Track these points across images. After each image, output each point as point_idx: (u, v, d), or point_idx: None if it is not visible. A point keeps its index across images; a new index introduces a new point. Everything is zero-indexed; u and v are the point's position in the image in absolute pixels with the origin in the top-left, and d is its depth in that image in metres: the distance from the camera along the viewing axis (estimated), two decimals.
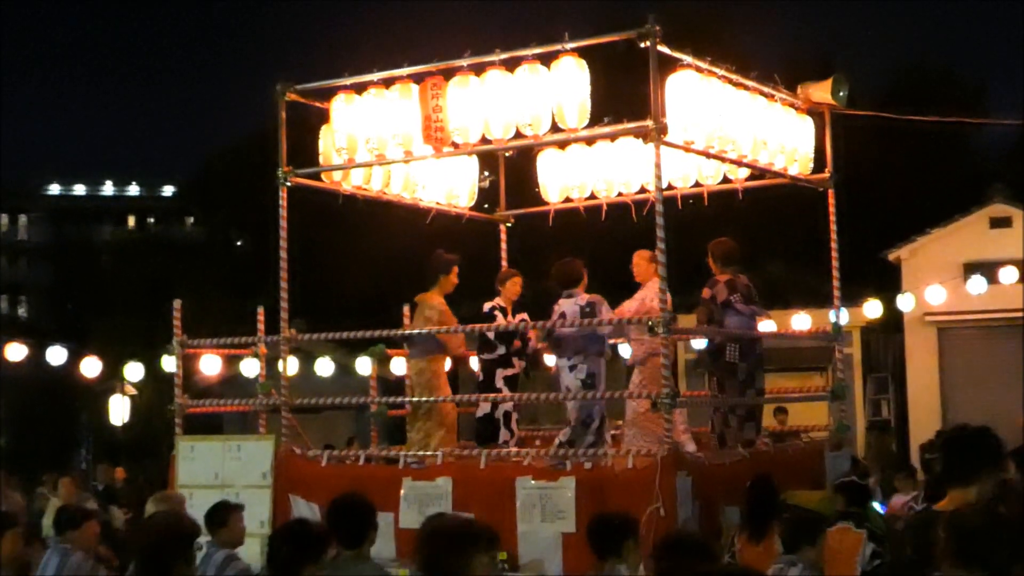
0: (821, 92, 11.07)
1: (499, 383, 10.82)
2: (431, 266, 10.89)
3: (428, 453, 9.92)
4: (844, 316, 12.04)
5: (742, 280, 10.65)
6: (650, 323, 9.03)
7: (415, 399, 10.65)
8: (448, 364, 11.20)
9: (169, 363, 13.33)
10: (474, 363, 11.61)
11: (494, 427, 10.79)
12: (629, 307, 10.75)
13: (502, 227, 13.14)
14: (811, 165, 11.23)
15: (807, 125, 11.14)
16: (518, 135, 9.57)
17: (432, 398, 10.49)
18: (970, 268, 20.43)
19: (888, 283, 21.90)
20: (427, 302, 10.75)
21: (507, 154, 12.05)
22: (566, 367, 10.09)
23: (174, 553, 5.44)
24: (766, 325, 17.95)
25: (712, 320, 10.46)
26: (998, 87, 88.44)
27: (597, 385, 10.10)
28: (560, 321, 9.96)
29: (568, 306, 10.18)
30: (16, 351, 18.20)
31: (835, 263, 11.45)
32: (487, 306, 11.08)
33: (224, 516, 7.95)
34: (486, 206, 13.19)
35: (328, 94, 10.52)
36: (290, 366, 11.03)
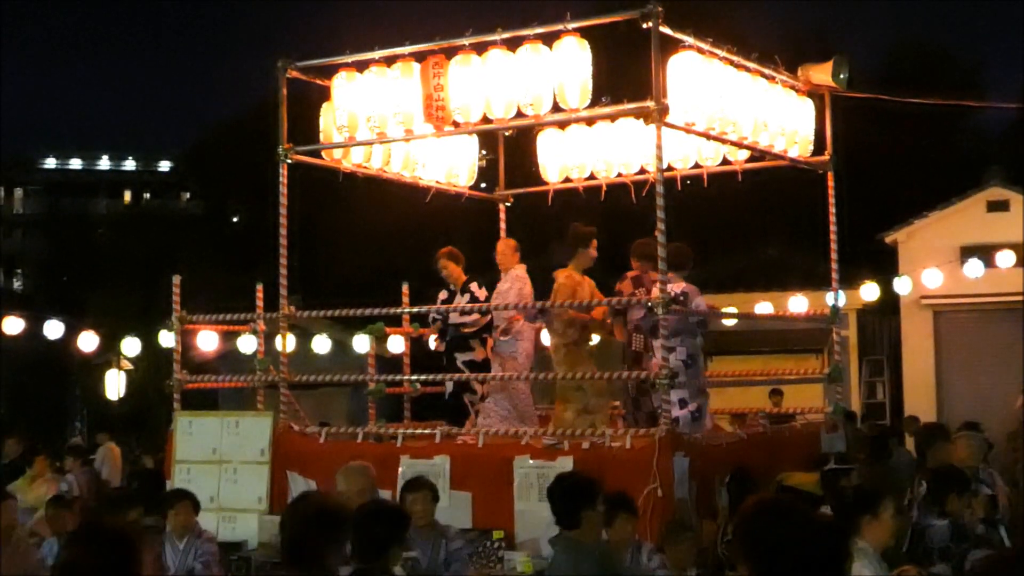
0: (822, 74, 11.07)
1: (459, 367, 10.93)
2: (569, 241, 10.53)
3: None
4: (841, 299, 12.06)
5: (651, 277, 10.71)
6: (648, 304, 9.04)
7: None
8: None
9: (167, 338, 13.35)
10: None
11: (461, 410, 10.86)
12: (509, 297, 10.87)
13: (501, 206, 13.14)
14: (811, 147, 11.24)
15: (807, 107, 11.15)
16: (519, 115, 9.58)
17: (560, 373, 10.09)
18: (967, 251, 20.43)
19: (885, 266, 21.90)
20: (556, 276, 10.43)
21: (507, 133, 12.06)
22: (664, 347, 10.07)
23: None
24: (763, 307, 18.09)
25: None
26: (994, 68, 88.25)
27: (696, 365, 10.27)
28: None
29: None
30: (13, 324, 18.16)
31: (833, 245, 11.47)
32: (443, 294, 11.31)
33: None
34: (483, 185, 13.20)
35: (329, 71, 10.52)
36: (288, 343, 11.04)
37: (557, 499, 6.44)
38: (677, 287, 10.24)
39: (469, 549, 8.32)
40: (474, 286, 11.10)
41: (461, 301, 10.97)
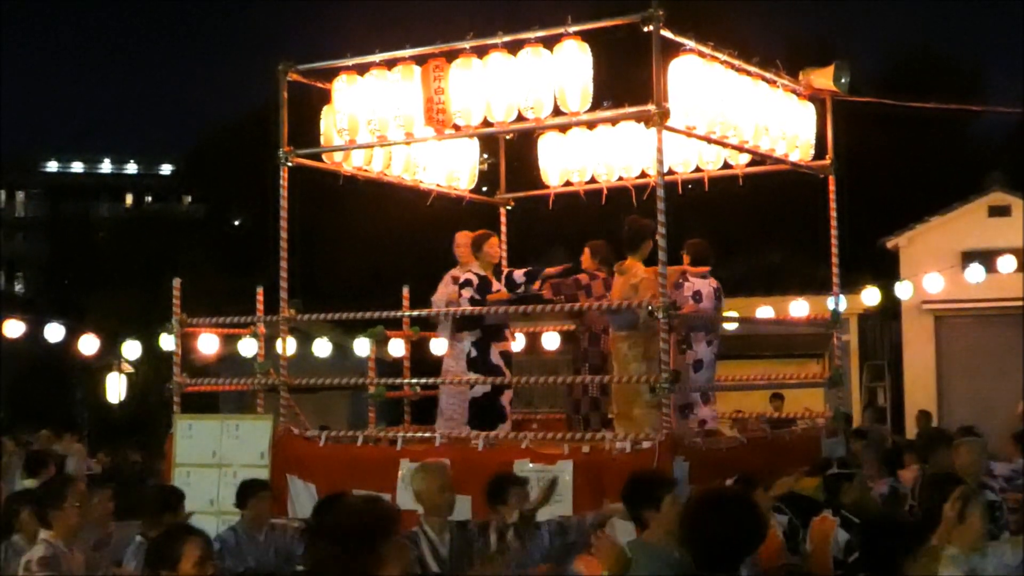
0: (823, 78, 11.06)
1: (496, 359, 10.44)
2: (633, 233, 10.08)
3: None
4: (842, 303, 12.05)
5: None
6: (650, 308, 9.03)
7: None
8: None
9: (167, 341, 13.34)
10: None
11: (496, 412, 10.36)
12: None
13: (502, 210, 13.13)
14: (812, 152, 11.23)
15: (808, 111, 11.13)
16: (520, 118, 9.55)
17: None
18: (968, 256, 20.47)
19: (886, 271, 21.93)
20: (631, 269, 10.01)
21: (508, 137, 12.03)
22: (704, 340, 10.34)
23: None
24: (764, 311, 18.10)
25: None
26: (996, 73, 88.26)
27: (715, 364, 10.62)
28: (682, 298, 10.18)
29: (704, 286, 10.47)
30: (14, 327, 18.18)
31: (834, 250, 11.46)
32: (461, 276, 10.72)
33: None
34: (484, 189, 13.19)
35: (330, 74, 10.50)
36: (288, 346, 11.02)
37: (624, 502, 6.31)
38: (714, 283, 10.55)
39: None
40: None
41: (498, 283, 10.68)
